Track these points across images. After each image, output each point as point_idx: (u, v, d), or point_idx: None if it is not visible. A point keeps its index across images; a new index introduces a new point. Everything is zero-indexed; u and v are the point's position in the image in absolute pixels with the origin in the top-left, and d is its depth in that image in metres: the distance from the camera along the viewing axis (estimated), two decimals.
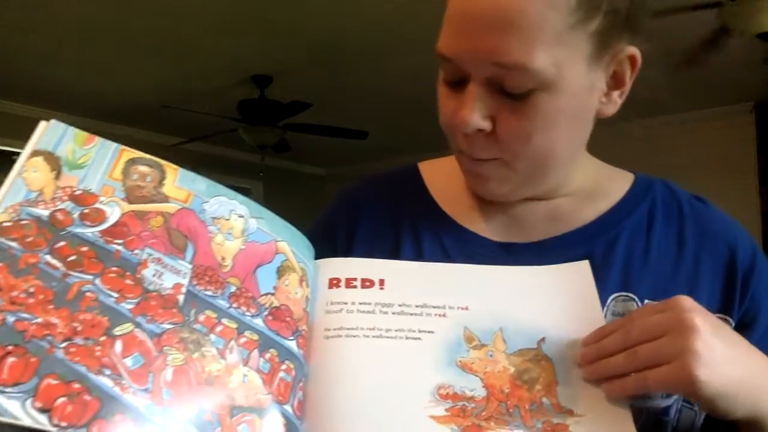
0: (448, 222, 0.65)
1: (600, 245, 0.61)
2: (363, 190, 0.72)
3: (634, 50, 0.56)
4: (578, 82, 0.54)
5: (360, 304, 0.55)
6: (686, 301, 0.49)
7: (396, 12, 2.87)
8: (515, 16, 0.50)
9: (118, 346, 0.41)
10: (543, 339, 0.53)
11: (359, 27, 3.07)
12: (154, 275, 0.46)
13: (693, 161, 4.29)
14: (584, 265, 0.58)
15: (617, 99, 0.58)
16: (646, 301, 0.58)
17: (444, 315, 0.55)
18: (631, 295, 0.59)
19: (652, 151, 4.39)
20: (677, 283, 0.60)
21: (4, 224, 0.43)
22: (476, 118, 0.54)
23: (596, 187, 0.65)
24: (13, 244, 0.42)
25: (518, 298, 0.57)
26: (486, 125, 0.55)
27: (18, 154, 0.48)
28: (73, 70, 3.67)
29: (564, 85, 0.53)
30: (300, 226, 0.59)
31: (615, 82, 0.57)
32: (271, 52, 3.43)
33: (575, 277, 0.58)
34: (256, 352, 0.47)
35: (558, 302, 0.56)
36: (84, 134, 0.50)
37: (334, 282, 0.57)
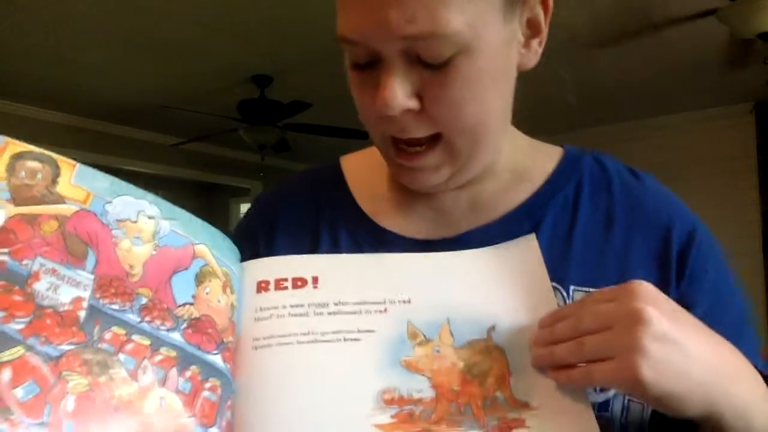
0: (367, 223, 0.61)
1: (524, 233, 0.56)
2: (282, 195, 0.68)
3: None
4: (497, 38, 0.50)
5: (292, 307, 0.51)
6: (640, 288, 0.45)
7: None
8: None
9: (6, 374, 0.36)
10: (493, 327, 0.50)
11: None
12: (48, 289, 0.40)
13: (693, 161, 4.26)
14: (531, 240, 0.54)
15: (537, 48, 0.55)
16: (572, 288, 0.54)
17: (385, 311, 0.51)
18: (555, 284, 0.54)
19: (652, 150, 4.35)
20: (606, 267, 0.55)
21: None
22: (400, 96, 0.49)
23: (521, 168, 0.61)
24: None
25: (464, 284, 0.53)
26: (413, 104, 0.50)
27: None
28: (73, 70, 3.66)
29: (483, 44, 0.49)
30: None
31: (531, 30, 0.54)
32: (271, 52, 3.41)
33: (522, 254, 0.54)
34: (174, 371, 0.42)
35: (507, 284, 0.52)
36: None
37: (263, 285, 0.53)
